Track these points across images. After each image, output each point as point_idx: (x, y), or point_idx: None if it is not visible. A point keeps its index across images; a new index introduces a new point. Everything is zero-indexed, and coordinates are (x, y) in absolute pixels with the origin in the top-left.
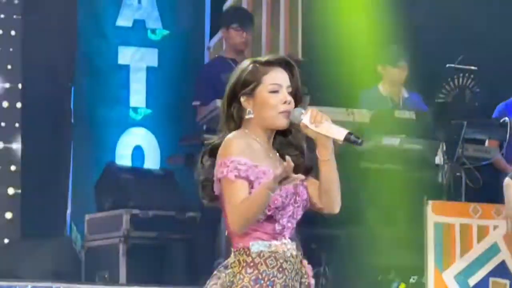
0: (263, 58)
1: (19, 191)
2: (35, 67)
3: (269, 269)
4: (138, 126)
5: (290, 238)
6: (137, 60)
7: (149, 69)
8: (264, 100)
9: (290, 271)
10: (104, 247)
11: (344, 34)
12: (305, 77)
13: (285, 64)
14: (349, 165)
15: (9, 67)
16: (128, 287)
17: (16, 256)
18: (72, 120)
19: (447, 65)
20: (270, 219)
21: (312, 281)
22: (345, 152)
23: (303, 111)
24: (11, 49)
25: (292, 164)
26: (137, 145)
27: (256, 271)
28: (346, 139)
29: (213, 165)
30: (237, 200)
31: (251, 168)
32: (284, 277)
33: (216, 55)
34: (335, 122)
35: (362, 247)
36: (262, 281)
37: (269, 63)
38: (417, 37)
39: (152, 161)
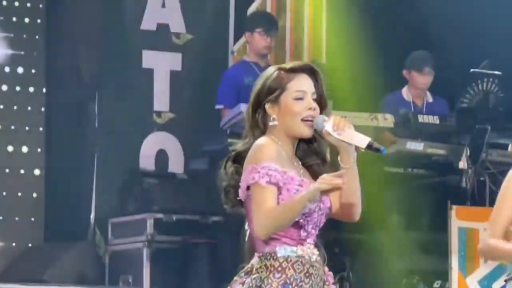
0: (288, 65)
1: (43, 195)
2: (59, 71)
3: (297, 274)
4: (161, 130)
5: (314, 245)
6: (161, 64)
7: (173, 73)
8: (289, 107)
9: (315, 276)
10: (128, 251)
11: (368, 38)
12: (328, 82)
13: (309, 70)
14: (373, 170)
15: (33, 71)
16: None
17: (40, 260)
18: (96, 124)
19: (472, 70)
20: (296, 225)
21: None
22: (369, 157)
23: (326, 118)
24: (35, 53)
25: (345, 181)
26: (160, 149)
27: (284, 276)
28: (369, 146)
29: (237, 171)
30: (268, 206)
31: (281, 174)
32: (311, 282)
33: (239, 59)
34: (358, 127)
35: (386, 251)
36: (290, 286)
37: (294, 70)
38: (441, 41)
39: (175, 165)
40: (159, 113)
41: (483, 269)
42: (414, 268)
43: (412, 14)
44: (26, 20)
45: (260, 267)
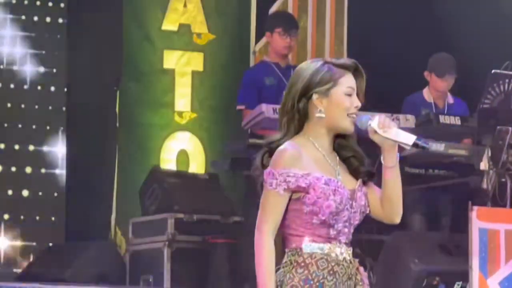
0: (337, 60)
1: (64, 195)
2: (80, 70)
3: (319, 271)
4: (183, 130)
5: (346, 243)
6: (183, 64)
7: (194, 73)
8: (340, 101)
9: (341, 274)
10: (148, 251)
11: (389, 38)
12: None
13: (355, 69)
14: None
15: (54, 70)
16: None
17: (60, 260)
18: (117, 124)
19: (493, 71)
20: (324, 223)
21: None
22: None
23: (370, 116)
24: (56, 53)
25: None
26: (182, 149)
27: (306, 271)
28: (415, 144)
29: None
30: (272, 216)
31: (302, 177)
32: (335, 280)
33: (261, 59)
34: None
35: (407, 252)
36: (311, 282)
37: (344, 67)
38: (463, 42)
39: (197, 165)
40: (180, 113)
41: (504, 270)
42: (434, 269)
43: (434, 15)
44: (48, 19)
45: (285, 262)
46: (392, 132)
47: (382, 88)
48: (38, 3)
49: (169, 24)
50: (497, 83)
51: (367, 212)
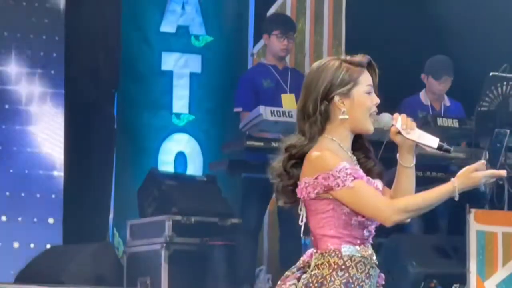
0: (354, 58)
1: (61, 196)
2: (78, 72)
3: (359, 274)
4: (181, 132)
5: (372, 244)
6: (181, 66)
7: (192, 75)
8: (362, 101)
9: (374, 277)
10: (146, 253)
11: (387, 41)
12: None
13: (369, 65)
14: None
15: (52, 72)
16: None
17: (58, 262)
18: (115, 126)
19: (491, 74)
20: (362, 225)
21: None
22: (386, 159)
23: (392, 116)
24: (54, 54)
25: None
26: (180, 151)
27: (347, 275)
28: (439, 147)
29: (296, 169)
30: (378, 196)
31: (354, 170)
32: (370, 283)
33: (258, 62)
34: (376, 129)
35: (404, 255)
36: (352, 285)
37: (362, 65)
38: (461, 45)
39: (195, 167)
40: (178, 115)
41: (502, 272)
42: (432, 271)
43: (431, 17)
44: (46, 20)
45: (322, 263)
46: (416, 133)
47: (379, 90)
48: (36, 4)
49: (167, 26)
50: (495, 86)
51: None
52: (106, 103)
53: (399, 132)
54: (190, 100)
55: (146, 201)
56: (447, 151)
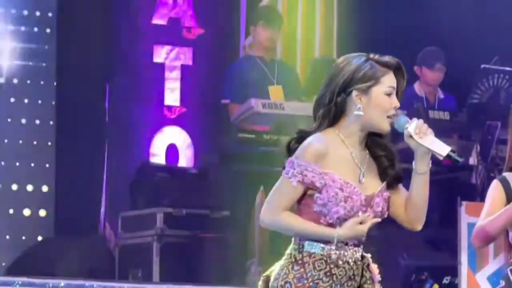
0: (381, 58)
1: (53, 188)
2: (70, 65)
3: (315, 271)
4: (172, 125)
5: (355, 244)
6: (172, 59)
7: (184, 68)
8: (379, 101)
9: (340, 277)
10: (137, 245)
11: (379, 34)
12: None
13: (397, 69)
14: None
15: (44, 64)
16: (161, 285)
17: (50, 254)
18: (107, 118)
19: (482, 66)
20: (332, 226)
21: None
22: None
23: (408, 119)
24: (46, 47)
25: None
26: (171, 144)
27: (302, 270)
28: (449, 155)
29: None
30: (282, 204)
31: (319, 175)
32: (331, 281)
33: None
34: None
35: (396, 247)
36: (305, 281)
37: (387, 65)
38: (452, 38)
39: (186, 160)
40: (169, 108)
41: (493, 265)
42: (423, 264)
43: (423, 10)
44: (37, 13)
45: (288, 254)
46: (428, 139)
47: None
48: None
49: (159, 19)
50: (486, 78)
51: (385, 216)
52: (98, 95)
53: (412, 136)
54: (181, 93)
55: (138, 194)
56: (456, 161)
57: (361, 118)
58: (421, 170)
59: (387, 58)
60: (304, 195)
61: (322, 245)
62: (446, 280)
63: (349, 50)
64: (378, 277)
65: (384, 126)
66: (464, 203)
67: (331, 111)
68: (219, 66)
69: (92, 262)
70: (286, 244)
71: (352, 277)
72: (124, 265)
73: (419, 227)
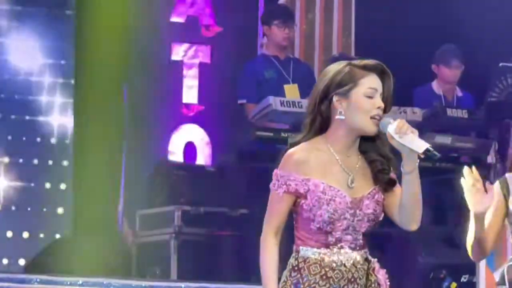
0: (361, 61)
1: (71, 186)
2: (88, 62)
3: (311, 275)
4: (190, 123)
5: (354, 248)
6: (190, 57)
7: (202, 66)
8: (359, 103)
9: (337, 280)
10: (155, 243)
11: (397, 32)
12: None
13: (380, 71)
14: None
15: (62, 62)
16: (179, 283)
17: (67, 251)
18: (125, 116)
19: (500, 64)
20: (321, 231)
21: None
22: (395, 150)
23: (391, 120)
24: (64, 45)
25: None
26: (189, 142)
27: (298, 276)
28: (425, 153)
29: None
30: (271, 219)
31: (302, 182)
32: (328, 285)
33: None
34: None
35: (414, 245)
36: (301, 286)
37: (367, 68)
38: (470, 35)
39: (204, 158)
40: (187, 106)
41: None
42: (441, 262)
43: (441, 7)
44: (56, 11)
45: (288, 263)
46: (408, 138)
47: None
48: None
49: (177, 16)
50: (504, 76)
51: (380, 218)
52: (116, 93)
53: (393, 137)
54: (199, 91)
55: (156, 192)
56: (434, 156)
57: (344, 122)
58: (407, 169)
59: (366, 61)
60: (295, 206)
61: (316, 249)
62: (464, 278)
63: (367, 48)
64: (385, 281)
65: (368, 127)
66: None
67: (316, 120)
68: (237, 63)
69: (110, 260)
70: None
71: (353, 280)
72: (142, 263)
73: (414, 226)
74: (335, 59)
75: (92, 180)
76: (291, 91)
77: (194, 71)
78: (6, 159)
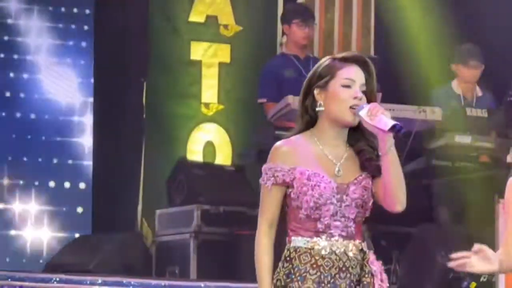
0: (341, 54)
1: (91, 186)
2: (107, 62)
3: (302, 265)
4: (209, 122)
5: (344, 236)
6: (210, 56)
7: (221, 65)
8: (335, 94)
9: (328, 268)
10: (174, 242)
11: (417, 31)
12: (377, 74)
13: (362, 62)
14: (421, 163)
15: (82, 62)
16: (199, 283)
17: (87, 251)
18: (144, 115)
19: None
20: (309, 218)
21: (378, 281)
22: (417, 150)
23: (365, 105)
24: (83, 44)
25: None
26: (208, 141)
27: (290, 266)
28: (391, 128)
29: None
30: (263, 213)
31: (288, 172)
32: (319, 273)
33: (280, 52)
34: (406, 119)
35: (433, 245)
36: (293, 276)
37: (346, 60)
38: (489, 35)
39: (223, 157)
40: (207, 105)
41: None
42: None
43: (461, 7)
44: (75, 10)
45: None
46: (377, 119)
47: (408, 80)
48: None
49: (196, 16)
50: None
51: (369, 204)
52: (135, 92)
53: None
54: (219, 90)
55: (175, 191)
56: (399, 131)
57: (325, 113)
58: (382, 150)
59: (344, 53)
60: (285, 198)
61: (306, 238)
62: (483, 278)
63: (386, 46)
64: (380, 272)
65: (346, 117)
66: (501, 200)
67: (303, 115)
68: (256, 62)
69: (129, 259)
70: None
71: (344, 269)
72: (161, 262)
73: (398, 207)
74: None
75: (111, 179)
76: None
77: (214, 70)
78: (24, 158)
